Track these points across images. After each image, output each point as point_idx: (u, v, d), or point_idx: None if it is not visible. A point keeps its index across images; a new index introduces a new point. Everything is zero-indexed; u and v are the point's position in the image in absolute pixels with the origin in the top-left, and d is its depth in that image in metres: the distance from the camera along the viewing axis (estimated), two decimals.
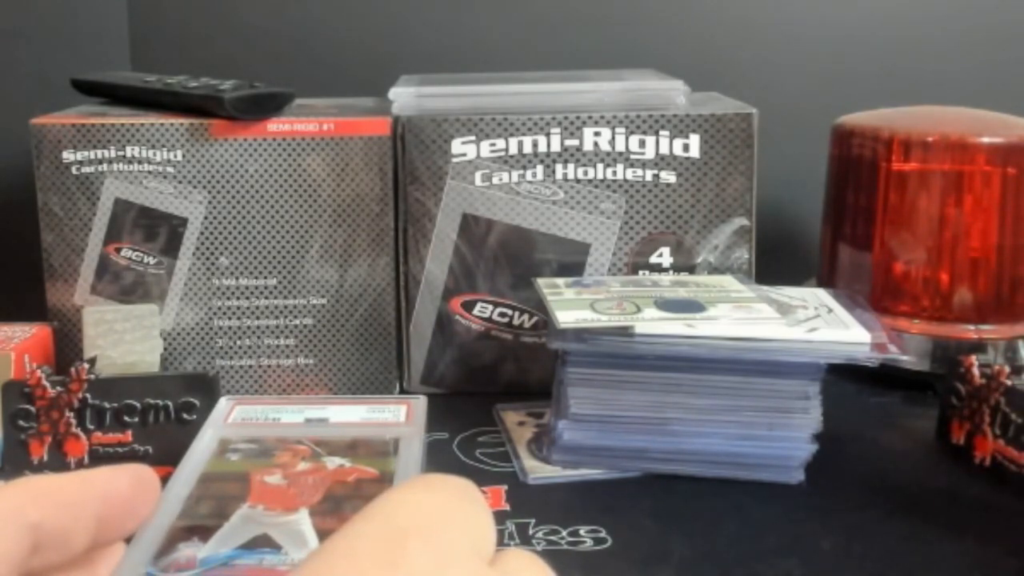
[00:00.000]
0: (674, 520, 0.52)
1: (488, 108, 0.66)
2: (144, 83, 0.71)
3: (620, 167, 0.66)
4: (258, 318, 0.67)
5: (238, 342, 0.68)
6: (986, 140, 0.68)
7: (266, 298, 0.67)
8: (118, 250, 0.67)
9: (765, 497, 0.54)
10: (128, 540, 0.32)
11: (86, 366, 0.58)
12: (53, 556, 0.26)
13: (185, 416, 0.58)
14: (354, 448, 0.56)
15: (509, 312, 0.68)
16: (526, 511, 0.52)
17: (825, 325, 0.56)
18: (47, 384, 0.57)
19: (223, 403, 0.62)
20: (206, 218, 0.66)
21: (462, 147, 0.66)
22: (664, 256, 0.67)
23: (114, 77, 0.76)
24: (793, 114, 0.87)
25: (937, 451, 0.60)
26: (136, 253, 0.67)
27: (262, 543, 0.44)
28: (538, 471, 0.57)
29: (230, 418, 0.61)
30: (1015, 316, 0.69)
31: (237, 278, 0.67)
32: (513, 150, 0.66)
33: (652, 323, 0.55)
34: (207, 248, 0.67)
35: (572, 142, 0.66)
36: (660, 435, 0.56)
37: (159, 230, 0.66)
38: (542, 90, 0.68)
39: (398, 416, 0.59)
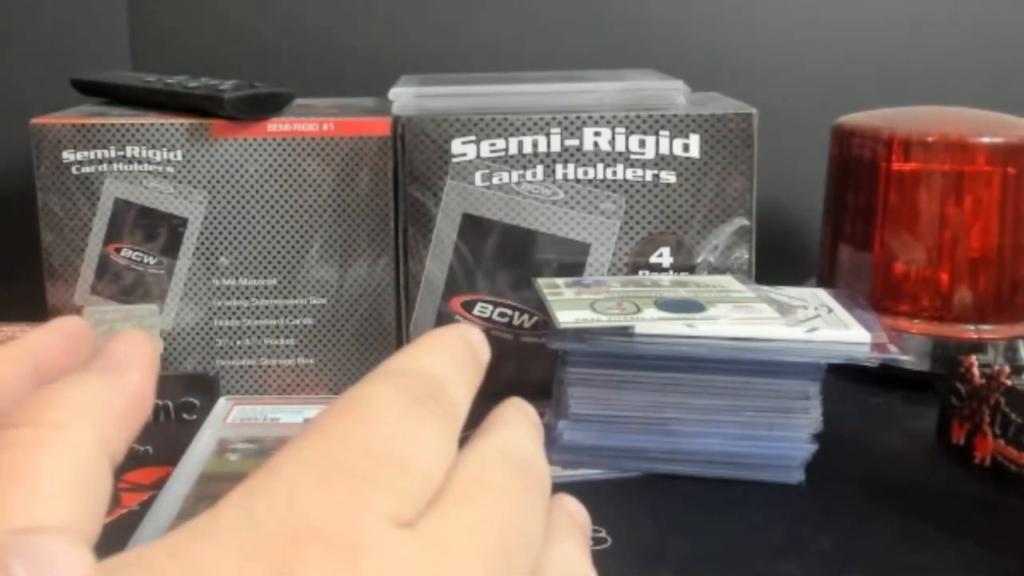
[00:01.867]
0: (674, 520, 0.52)
1: (488, 108, 0.66)
2: (144, 83, 0.71)
3: (620, 167, 0.66)
4: (258, 318, 0.67)
5: (238, 342, 0.68)
6: (986, 140, 0.68)
7: (266, 298, 0.67)
8: (118, 250, 0.67)
9: (765, 497, 0.54)
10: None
11: None
12: None
13: (185, 416, 0.58)
14: None
15: (509, 312, 0.68)
16: None
17: (825, 325, 0.56)
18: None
19: (222, 403, 0.62)
20: (206, 218, 0.66)
21: (462, 147, 0.66)
22: (664, 256, 0.67)
23: (114, 77, 0.76)
24: (793, 114, 0.87)
25: (937, 451, 0.60)
26: (136, 253, 0.67)
27: None
28: None
29: (229, 418, 0.61)
30: (1015, 316, 0.69)
31: (237, 278, 0.67)
32: (513, 150, 0.66)
33: (652, 323, 0.55)
34: (207, 248, 0.67)
35: (572, 142, 0.66)
36: (660, 435, 0.56)
37: (159, 230, 0.66)
38: (542, 90, 0.68)
39: None
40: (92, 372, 0.23)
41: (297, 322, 0.67)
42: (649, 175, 0.66)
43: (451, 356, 0.25)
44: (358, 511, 0.19)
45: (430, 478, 0.21)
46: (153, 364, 0.24)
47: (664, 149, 0.66)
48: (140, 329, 0.25)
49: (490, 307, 0.68)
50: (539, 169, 0.66)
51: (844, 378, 0.66)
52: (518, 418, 0.25)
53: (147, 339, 0.24)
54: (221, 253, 0.67)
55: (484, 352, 0.26)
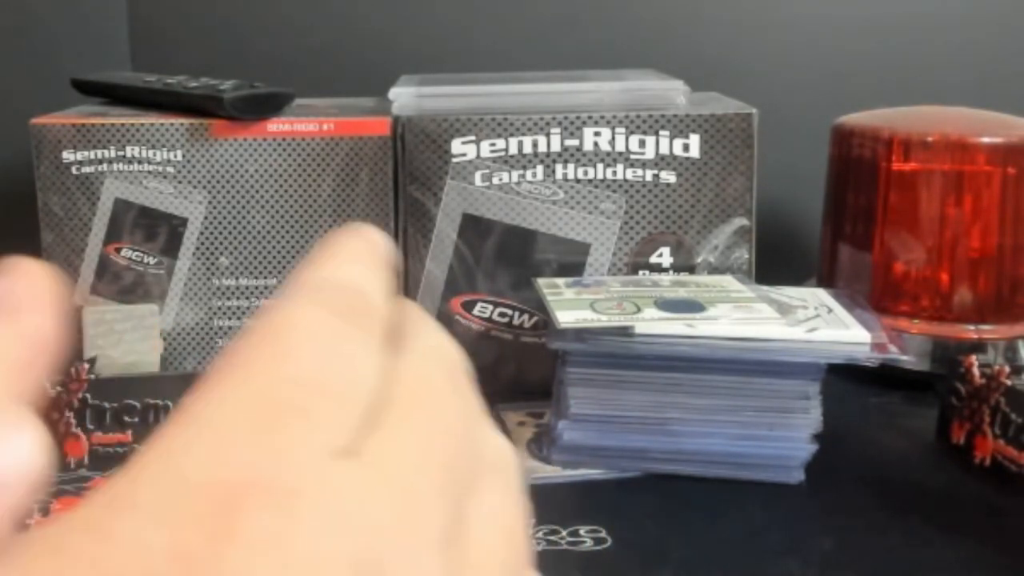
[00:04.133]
0: (674, 520, 0.52)
1: (488, 108, 0.66)
2: (144, 83, 0.71)
3: (620, 167, 0.66)
4: None
5: None
6: (986, 140, 0.67)
7: (266, 298, 0.67)
8: (118, 250, 0.67)
9: (765, 497, 0.54)
10: None
11: (86, 366, 0.58)
12: None
13: None
14: None
15: (509, 312, 0.68)
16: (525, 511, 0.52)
17: (825, 325, 0.56)
18: (47, 384, 0.57)
19: None
20: (206, 218, 0.66)
21: (462, 147, 0.66)
22: (664, 256, 0.67)
23: (114, 77, 0.76)
24: (793, 114, 0.87)
25: (937, 451, 0.60)
26: (136, 253, 0.67)
27: None
28: (538, 471, 0.57)
29: None
30: (1015, 316, 0.69)
31: (237, 278, 0.67)
32: (513, 150, 0.66)
33: (652, 323, 0.55)
34: (207, 248, 0.67)
35: (572, 142, 0.66)
36: (660, 435, 0.56)
37: (159, 230, 0.66)
38: (542, 90, 0.68)
39: None
40: None
41: None
42: (649, 175, 0.66)
43: (361, 259, 0.23)
44: (294, 449, 0.17)
45: (365, 398, 0.19)
46: (54, 297, 0.21)
47: (664, 149, 0.66)
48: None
49: (490, 307, 0.68)
50: (539, 169, 0.66)
51: (844, 378, 0.66)
52: (423, 316, 0.23)
53: (41, 270, 0.21)
54: (221, 253, 0.67)
55: (387, 247, 0.24)
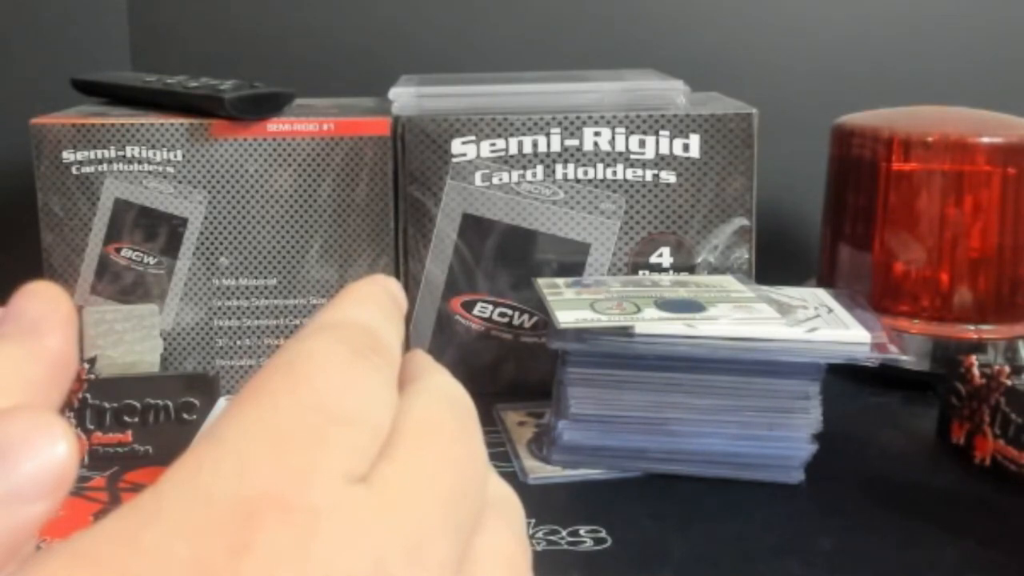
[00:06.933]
0: (674, 520, 0.52)
1: (488, 108, 0.66)
2: (144, 83, 0.71)
3: (620, 167, 0.66)
4: (258, 318, 0.67)
5: (238, 342, 0.68)
6: (986, 140, 0.67)
7: (266, 298, 0.67)
8: (118, 250, 0.67)
9: (765, 497, 0.54)
10: None
11: (86, 366, 0.58)
12: None
13: (185, 416, 0.58)
14: None
15: (509, 312, 0.68)
16: (526, 511, 0.52)
17: (825, 325, 0.56)
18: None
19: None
20: (206, 218, 0.66)
21: (462, 147, 0.66)
22: (664, 256, 0.67)
23: (114, 77, 0.76)
24: (793, 114, 0.87)
25: (937, 451, 0.60)
26: (136, 253, 0.67)
27: None
28: (538, 471, 0.57)
29: None
30: (1015, 316, 0.69)
31: (237, 278, 0.67)
32: (513, 150, 0.66)
33: (652, 323, 0.55)
34: (207, 248, 0.67)
35: (572, 142, 0.66)
36: (660, 435, 0.56)
37: (159, 230, 0.66)
38: (542, 90, 0.68)
39: None
40: (7, 340, 0.21)
41: (297, 322, 0.67)
42: (649, 175, 0.66)
43: (378, 305, 0.24)
44: (311, 472, 0.18)
45: (378, 429, 0.20)
46: (71, 320, 0.22)
47: (664, 149, 0.66)
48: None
49: (490, 307, 0.68)
50: (539, 169, 0.66)
51: (844, 378, 0.66)
52: (432, 362, 0.25)
53: (61, 292, 0.22)
54: (221, 253, 0.67)
55: (404, 299, 0.26)
